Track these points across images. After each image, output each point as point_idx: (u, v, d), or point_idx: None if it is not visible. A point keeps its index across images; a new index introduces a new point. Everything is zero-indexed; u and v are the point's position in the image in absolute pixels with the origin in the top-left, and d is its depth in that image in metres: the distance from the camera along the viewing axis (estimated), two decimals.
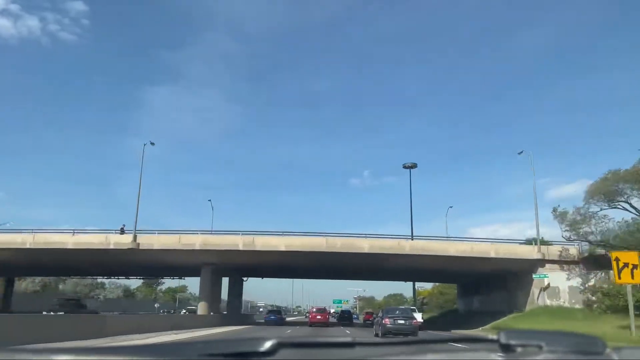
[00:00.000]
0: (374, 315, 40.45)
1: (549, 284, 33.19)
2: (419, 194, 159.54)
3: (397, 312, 24.10)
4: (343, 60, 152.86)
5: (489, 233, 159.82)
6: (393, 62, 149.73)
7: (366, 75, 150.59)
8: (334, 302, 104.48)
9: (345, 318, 51.26)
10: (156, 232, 35.24)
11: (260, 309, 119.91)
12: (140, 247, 33.38)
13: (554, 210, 33.87)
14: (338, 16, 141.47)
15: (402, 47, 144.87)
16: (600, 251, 30.84)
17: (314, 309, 41.48)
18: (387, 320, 22.32)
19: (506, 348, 1.22)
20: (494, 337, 1.24)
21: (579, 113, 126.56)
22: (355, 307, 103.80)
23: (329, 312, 48.33)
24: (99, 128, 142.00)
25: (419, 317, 32.81)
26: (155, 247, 33.70)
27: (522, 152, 37.15)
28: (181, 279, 66.72)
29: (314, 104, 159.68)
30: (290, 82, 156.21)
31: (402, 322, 22.17)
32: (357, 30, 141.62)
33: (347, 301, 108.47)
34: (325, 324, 37.26)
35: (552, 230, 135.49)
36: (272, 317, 41.89)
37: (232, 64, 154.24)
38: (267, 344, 1.04)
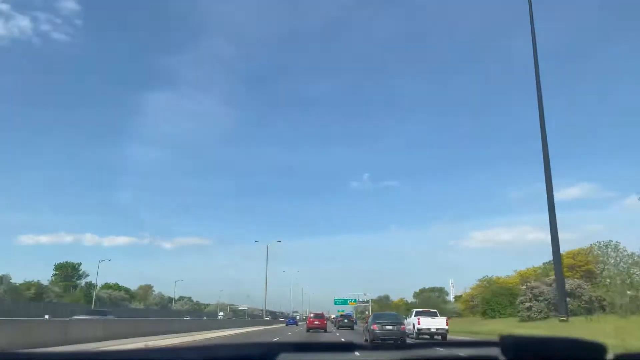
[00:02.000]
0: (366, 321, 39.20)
1: None
2: (417, 198, 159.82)
3: (386, 317, 24.03)
4: (341, 63, 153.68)
5: (490, 236, 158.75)
6: (392, 65, 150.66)
7: (365, 78, 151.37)
8: (335, 304, 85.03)
9: (345, 324, 47.02)
10: None
11: (221, 314, 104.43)
12: None
13: None
14: (336, 20, 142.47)
15: (400, 50, 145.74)
16: None
17: (312, 314, 40.72)
18: (375, 326, 21.82)
19: (507, 354, 1.22)
20: (496, 339, 1.24)
21: (578, 116, 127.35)
22: (367, 310, 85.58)
23: (327, 318, 47.47)
24: (95, 132, 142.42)
25: (443, 322, 28.14)
26: None
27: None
28: None
29: (312, 108, 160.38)
30: (288, 85, 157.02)
31: (390, 327, 21.70)
32: (356, 33, 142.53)
33: (354, 301, 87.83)
34: (323, 329, 36.52)
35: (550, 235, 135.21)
36: (292, 321, 63.04)
37: (230, 68, 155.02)
38: (267, 348, 1.03)
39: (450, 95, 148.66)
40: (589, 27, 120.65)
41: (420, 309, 32.28)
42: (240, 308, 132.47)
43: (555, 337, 1.29)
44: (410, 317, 30.46)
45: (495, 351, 1.25)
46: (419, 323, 27.45)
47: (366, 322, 49.54)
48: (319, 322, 36.58)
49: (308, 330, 36.12)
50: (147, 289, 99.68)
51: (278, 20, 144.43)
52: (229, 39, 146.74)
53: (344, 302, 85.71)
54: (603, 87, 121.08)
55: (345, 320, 47.92)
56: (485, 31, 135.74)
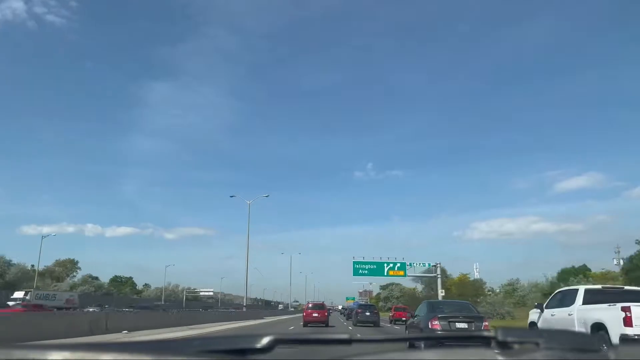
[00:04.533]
0: (412, 315, 24.40)
1: None
2: (421, 189, 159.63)
3: (453, 308, 14.65)
4: (344, 53, 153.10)
5: (494, 227, 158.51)
6: (394, 56, 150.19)
7: (368, 68, 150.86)
8: (355, 273, 42.91)
9: (366, 318, 32.24)
10: None
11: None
12: None
13: None
14: (338, 10, 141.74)
15: (403, 40, 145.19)
16: None
17: (310, 304, 32.81)
18: (435, 323, 13.16)
19: (503, 345, 1.22)
20: (492, 334, 1.24)
21: (587, 106, 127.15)
22: (438, 291, 45.71)
23: (329, 309, 36.26)
24: (97, 123, 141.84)
25: None
26: None
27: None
28: None
29: (315, 98, 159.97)
30: (290, 76, 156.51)
31: (463, 326, 13.22)
32: (358, 23, 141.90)
33: (400, 269, 43.06)
34: (323, 323, 30.07)
35: (559, 226, 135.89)
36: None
37: (231, 59, 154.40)
38: (264, 340, 1.04)
39: (454, 84, 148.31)
40: (598, 15, 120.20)
41: (607, 286, 15.25)
42: (202, 293, 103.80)
43: (550, 329, 1.29)
44: (572, 302, 13.44)
45: (491, 343, 1.25)
46: (629, 321, 10.42)
47: (406, 315, 35.11)
48: (319, 314, 30.51)
49: (305, 325, 29.74)
50: (67, 264, 78.54)
51: (280, 11, 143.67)
52: (230, 30, 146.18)
53: (377, 269, 41.18)
54: (612, 75, 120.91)
55: (367, 313, 32.67)
56: (487, 19, 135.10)
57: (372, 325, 31.64)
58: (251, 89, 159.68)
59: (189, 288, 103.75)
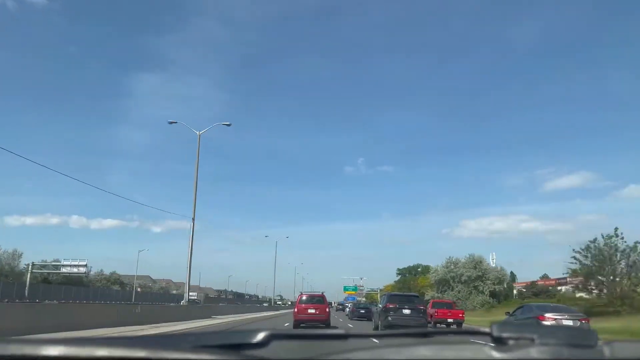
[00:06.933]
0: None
1: None
2: (409, 186, 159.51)
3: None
4: (335, 47, 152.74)
5: (484, 226, 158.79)
6: (386, 51, 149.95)
7: (360, 62, 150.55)
8: None
9: (404, 319, 19.12)
10: None
11: None
12: None
13: None
14: (330, 3, 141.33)
15: (396, 35, 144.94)
16: None
17: (304, 296, 23.92)
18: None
19: (499, 341, 1.22)
20: (487, 330, 1.24)
21: (580, 105, 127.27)
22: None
23: (330, 304, 27.51)
24: (82, 114, 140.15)
25: None
26: None
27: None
28: None
29: (306, 92, 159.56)
30: (281, 69, 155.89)
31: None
32: (350, 18, 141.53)
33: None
34: (323, 323, 22.39)
35: (548, 225, 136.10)
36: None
37: (221, 51, 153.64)
38: (260, 336, 1.04)
39: (446, 81, 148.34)
40: (588, 17, 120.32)
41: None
42: (64, 269, 60.82)
43: (546, 324, 1.29)
44: None
45: (486, 339, 1.25)
46: None
47: (440, 314, 25.22)
48: (317, 309, 22.63)
49: (297, 326, 21.91)
50: None
51: (271, 3, 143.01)
52: (221, 21, 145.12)
53: None
54: (604, 75, 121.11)
55: (406, 311, 19.53)
56: (480, 17, 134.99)
57: (421, 324, 19.28)
58: (241, 82, 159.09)
59: (45, 261, 62.71)
